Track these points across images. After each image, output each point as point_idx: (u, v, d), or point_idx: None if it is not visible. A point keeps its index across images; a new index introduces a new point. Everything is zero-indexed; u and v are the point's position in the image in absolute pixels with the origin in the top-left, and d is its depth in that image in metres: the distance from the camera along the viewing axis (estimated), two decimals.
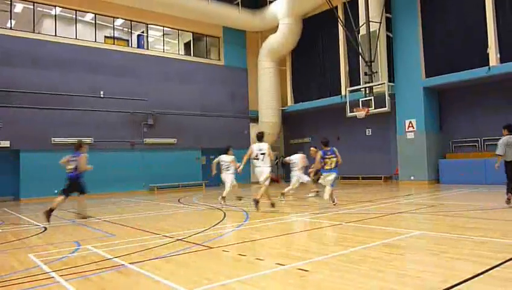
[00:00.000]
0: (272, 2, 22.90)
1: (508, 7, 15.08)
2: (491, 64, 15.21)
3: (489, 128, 16.41)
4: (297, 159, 13.42)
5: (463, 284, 3.76)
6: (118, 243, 6.62)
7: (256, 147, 10.02)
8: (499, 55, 15.18)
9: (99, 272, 4.76)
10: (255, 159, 10.08)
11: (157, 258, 5.41)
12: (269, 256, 5.39)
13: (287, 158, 14.15)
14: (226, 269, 4.72)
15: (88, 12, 19.49)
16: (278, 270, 4.54)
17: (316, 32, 22.31)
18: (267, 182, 10.07)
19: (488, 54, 15.31)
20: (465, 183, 15.59)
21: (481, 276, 3.99)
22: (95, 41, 19.43)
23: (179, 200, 14.58)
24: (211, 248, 5.91)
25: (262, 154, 9.91)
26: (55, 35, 18.24)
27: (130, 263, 5.05)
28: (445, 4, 16.90)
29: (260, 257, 5.21)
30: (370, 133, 20.86)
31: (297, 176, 13.30)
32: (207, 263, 5.04)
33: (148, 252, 5.80)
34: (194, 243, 6.30)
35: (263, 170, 10.00)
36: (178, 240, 6.62)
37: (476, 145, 16.91)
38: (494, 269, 4.19)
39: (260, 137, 10.14)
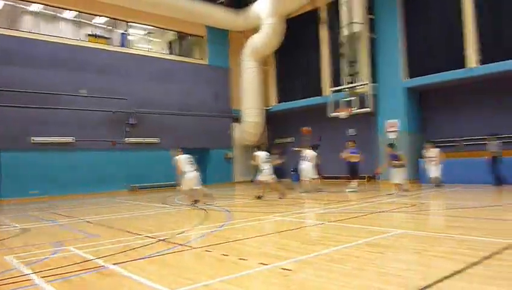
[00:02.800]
0: (255, 1, 22.90)
1: (486, 10, 15.40)
2: (471, 65, 15.52)
3: (469, 128, 16.74)
4: (308, 154, 14.96)
5: (443, 281, 3.83)
6: (99, 244, 6.53)
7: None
8: (478, 57, 15.50)
9: (80, 273, 4.69)
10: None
11: (139, 258, 5.36)
12: (252, 256, 5.39)
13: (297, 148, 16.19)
14: (209, 269, 4.70)
15: (70, 9, 19.15)
16: (261, 270, 4.55)
17: (299, 33, 22.41)
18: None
19: (467, 55, 15.62)
20: (445, 182, 15.85)
21: (461, 274, 4.07)
22: (77, 39, 19.11)
23: (161, 201, 14.46)
24: (194, 248, 5.88)
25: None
26: (36, 33, 17.89)
27: (112, 264, 4.99)
28: (427, 6, 17.18)
29: (243, 257, 5.21)
30: (352, 133, 21.03)
31: (305, 170, 14.75)
32: (190, 263, 5.02)
33: (130, 252, 5.74)
34: (176, 243, 6.27)
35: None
36: (160, 240, 6.57)
37: (456, 145, 17.23)
38: (474, 267, 4.28)
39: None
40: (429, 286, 3.70)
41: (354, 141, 15.69)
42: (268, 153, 13.75)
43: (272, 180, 13.23)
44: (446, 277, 3.94)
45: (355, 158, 14.99)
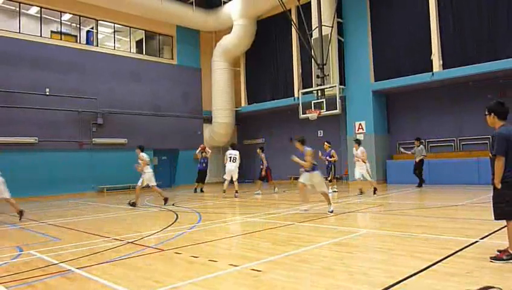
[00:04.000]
0: (226, 2, 22.87)
1: (450, 17, 15.98)
2: (434, 70, 16.05)
3: (432, 130, 17.33)
4: (233, 154, 14.94)
5: (408, 279, 3.94)
6: (64, 248, 6.33)
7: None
8: (441, 62, 16.06)
9: (43, 278, 4.53)
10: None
11: (106, 262, 5.23)
12: (222, 257, 5.37)
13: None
14: (179, 272, 4.65)
15: (33, 5, 18.50)
16: (232, 271, 4.54)
17: (270, 34, 22.53)
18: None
19: (432, 60, 16.15)
20: (410, 183, 16.32)
21: (425, 271, 4.20)
22: (41, 36, 18.48)
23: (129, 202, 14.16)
24: (163, 250, 5.80)
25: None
26: None
27: (77, 268, 4.85)
28: (393, 12, 17.64)
29: (213, 259, 5.18)
30: (322, 135, 21.32)
31: (230, 170, 14.82)
32: (159, 266, 4.94)
33: (97, 256, 5.60)
34: (145, 245, 6.17)
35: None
36: (129, 243, 6.44)
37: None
38: (437, 264, 4.43)
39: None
40: (395, 284, 3.80)
41: (329, 142, 15.39)
42: None
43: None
44: (411, 275, 4.05)
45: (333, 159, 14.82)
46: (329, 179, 14.56)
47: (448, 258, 4.67)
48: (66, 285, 4.31)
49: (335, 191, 14.67)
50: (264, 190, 16.54)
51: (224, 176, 15.20)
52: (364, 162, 13.33)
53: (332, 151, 14.74)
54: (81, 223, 9.36)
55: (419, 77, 16.38)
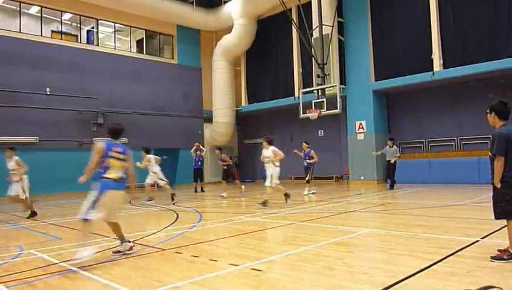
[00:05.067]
0: (226, 2, 22.86)
1: (450, 16, 15.96)
2: (435, 69, 16.03)
3: (433, 130, 17.32)
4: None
5: (409, 279, 3.94)
6: (64, 247, 6.34)
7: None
8: (442, 61, 16.04)
9: (44, 277, 4.53)
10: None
11: (107, 261, 5.23)
12: (223, 257, 5.37)
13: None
14: (179, 271, 4.65)
15: (33, 4, 18.49)
16: (232, 271, 4.53)
17: (270, 34, 22.52)
18: None
19: (432, 59, 16.13)
20: (411, 182, 16.33)
21: (425, 271, 4.19)
22: (41, 35, 18.48)
23: (129, 202, 14.19)
24: (164, 249, 5.80)
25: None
26: None
27: (78, 268, 4.85)
28: (393, 11, 17.63)
29: (214, 258, 5.18)
30: (322, 134, 21.33)
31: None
32: (159, 265, 4.94)
33: (97, 255, 5.59)
34: (145, 245, 6.17)
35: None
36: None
37: (420, 146, 17.76)
38: (437, 264, 4.43)
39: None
40: (396, 283, 3.80)
41: (307, 142, 14.75)
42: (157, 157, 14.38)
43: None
44: (412, 275, 4.05)
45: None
46: (306, 179, 14.15)
47: (449, 258, 4.67)
48: (67, 284, 4.31)
49: (313, 193, 13.97)
50: (232, 191, 15.88)
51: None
52: (275, 164, 10.88)
53: (312, 152, 14.23)
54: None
55: (420, 77, 16.36)
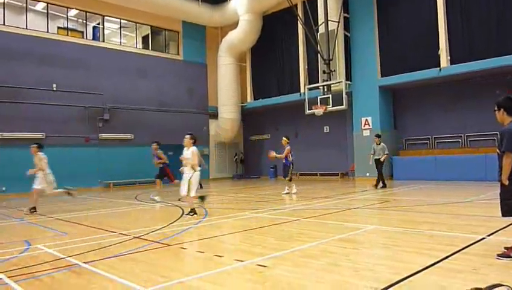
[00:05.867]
0: None
1: (458, 12, 15.82)
2: (442, 65, 15.91)
3: (439, 126, 17.21)
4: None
5: (414, 275, 3.92)
6: (71, 242, 6.39)
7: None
8: (449, 57, 15.91)
9: (50, 272, 4.57)
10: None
11: (113, 256, 5.27)
12: (228, 252, 5.38)
13: None
14: (185, 266, 4.67)
15: (40, 1, 18.56)
16: (237, 267, 4.55)
17: (276, 30, 22.46)
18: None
19: (439, 55, 16.01)
20: (417, 179, 16.25)
21: (431, 268, 4.18)
22: (47, 32, 18.55)
23: (135, 197, 14.26)
24: (169, 245, 5.83)
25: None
26: (4, 24, 17.26)
27: (84, 262, 4.89)
28: (400, 7, 17.50)
29: (219, 254, 5.19)
30: (328, 130, 21.28)
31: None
32: (165, 261, 4.96)
33: (103, 250, 5.64)
34: (151, 240, 6.19)
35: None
36: (135, 237, 6.48)
37: (427, 143, 17.66)
38: (443, 261, 4.41)
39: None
40: (401, 280, 3.79)
41: (288, 137, 13.75)
42: None
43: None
44: (417, 272, 4.04)
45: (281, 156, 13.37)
46: (288, 178, 13.25)
47: (455, 255, 4.65)
48: (73, 279, 4.34)
49: (294, 193, 13.00)
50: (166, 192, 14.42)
51: None
52: (195, 169, 8.82)
53: (288, 147, 13.25)
54: (89, 217, 9.42)
55: (427, 73, 16.25)
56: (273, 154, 13.30)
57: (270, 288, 3.78)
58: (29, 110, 17.28)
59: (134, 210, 10.83)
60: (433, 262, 4.35)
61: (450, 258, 4.54)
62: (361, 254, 5.10)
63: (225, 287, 3.95)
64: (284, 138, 13.56)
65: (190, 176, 8.71)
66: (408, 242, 5.48)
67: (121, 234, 6.86)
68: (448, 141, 17.02)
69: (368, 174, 18.06)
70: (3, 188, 16.25)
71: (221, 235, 6.72)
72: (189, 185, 8.70)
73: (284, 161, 13.41)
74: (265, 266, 4.46)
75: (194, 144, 8.91)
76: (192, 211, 8.79)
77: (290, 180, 13.30)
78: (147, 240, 6.25)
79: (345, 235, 6.13)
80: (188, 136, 8.91)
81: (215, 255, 5.11)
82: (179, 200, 12.35)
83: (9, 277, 4.36)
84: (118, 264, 4.85)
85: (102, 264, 4.82)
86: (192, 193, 8.74)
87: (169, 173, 12.94)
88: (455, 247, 4.98)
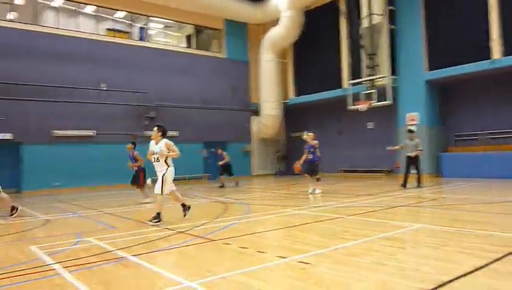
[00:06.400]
0: None
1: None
2: (494, 57, 15.10)
3: (492, 122, 16.36)
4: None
5: (464, 277, 3.76)
6: (119, 236, 6.64)
7: None
8: (502, 48, 15.07)
9: (100, 264, 4.78)
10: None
11: (158, 250, 5.43)
12: (270, 249, 5.40)
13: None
14: (228, 262, 4.73)
15: (89, 4, 19.39)
16: (279, 263, 4.55)
17: (318, 25, 22.18)
18: None
19: (491, 46, 15.19)
20: (467, 177, 15.56)
21: (482, 269, 3.99)
22: (97, 33, 19.36)
23: (181, 194, 14.57)
24: (213, 240, 5.93)
25: None
26: (57, 28, 18.19)
27: (131, 255, 5.07)
28: None
29: (261, 250, 5.22)
30: (372, 127, 20.81)
31: None
32: (208, 256, 5.05)
33: (149, 244, 5.82)
34: (195, 235, 6.32)
35: None
36: (179, 232, 6.64)
37: (477, 138, 16.86)
38: (495, 263, 4.19)
39: None
40: (449, 281, 3.65)
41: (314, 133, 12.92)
42: None
43: None
44: (467, 273, 3.87)
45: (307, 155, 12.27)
46: (317, 176, 12.25)
47: (508, 257, 4.41)
48: (121, 271, 4.52)
49: (318, 193, 12.00)
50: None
51: None
52: (168, 164, 7.93)
53: (315, 141, 12.31)
54: (135, 212, 9.77)
55: (478, 65, 15.46)
56: (299, 165, 12.26)
57: (312, 285, 3.76)
58: (80, 109, 18.10)
59: (179, 206, 11.07)
60: (485, 263, 4.15)
61: (503, 259, 4.31)
62: (406, 253, 4.96)
63: (268, 283, 3.97)
64: (309, 133, 12.46)
65: (164, 172, 7.73)
66: (457, 242, 5.26)
67: (166, 228, 7.05)
68: (501, 137, 16.14)
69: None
70: (58, 183, 17.13)
71: (263, 231, 6.75)
72: (162, 182, 7.66)
73: (310, 157, 12.15)
74: (308, 263, 4.44)
75: (164, 136, 8.01)
76: (157, 218, 7.62)
77: (318, 179, 12.31)
78: (191, 235, 6.38)
79: (390, 233, 5.98)
80: (155, 128, 8.02)
81: (257, 251, 5.14)
82: (223, 196, 12.50)
83: (63, 267, 4.61)
84: (164, 258, 5.00)
85: (149, 258, 4.98)
86: (166, 191, 7.74)
87: (141, 179, 11.88)
88: (509, 248, 4.73)
